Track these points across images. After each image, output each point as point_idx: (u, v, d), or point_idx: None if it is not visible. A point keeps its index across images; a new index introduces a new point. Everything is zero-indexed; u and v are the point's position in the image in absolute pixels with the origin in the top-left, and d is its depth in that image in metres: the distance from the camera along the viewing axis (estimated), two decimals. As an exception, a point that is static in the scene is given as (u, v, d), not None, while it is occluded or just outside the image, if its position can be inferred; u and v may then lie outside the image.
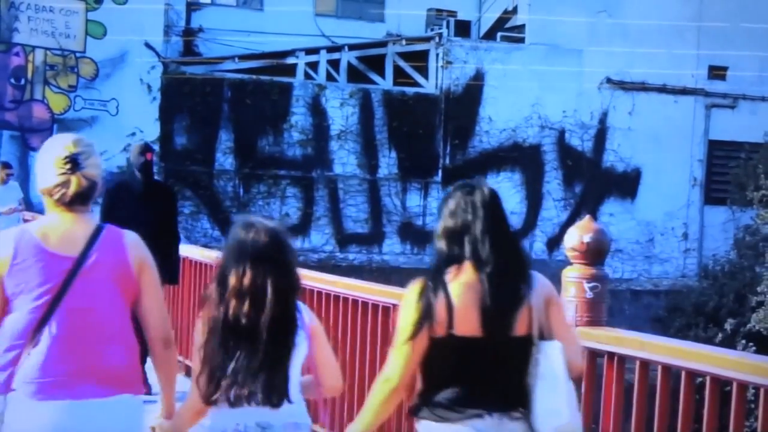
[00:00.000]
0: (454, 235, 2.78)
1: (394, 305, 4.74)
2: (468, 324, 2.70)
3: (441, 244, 2.81)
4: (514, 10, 18.65)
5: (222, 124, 16.10)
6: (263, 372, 2.79)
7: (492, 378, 2.73)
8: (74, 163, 2.96)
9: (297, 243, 16.61)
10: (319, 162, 16.74)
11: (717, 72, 18.98)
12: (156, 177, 7.94)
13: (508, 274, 2.72)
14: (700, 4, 18.70)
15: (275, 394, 2.81)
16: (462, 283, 2.72)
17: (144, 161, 6.68)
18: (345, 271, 13.09)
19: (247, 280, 2.75)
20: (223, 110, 16.12)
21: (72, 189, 2.98)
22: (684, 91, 18.78)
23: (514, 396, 2.75)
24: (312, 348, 2.92)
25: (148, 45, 15.61)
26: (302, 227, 16.59)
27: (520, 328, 2.71)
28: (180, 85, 15.81)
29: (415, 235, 17.24)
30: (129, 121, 15.40)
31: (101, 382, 2.94)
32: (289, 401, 2.83)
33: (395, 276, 16.46)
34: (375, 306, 5.18)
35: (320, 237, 16.75)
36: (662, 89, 18.60)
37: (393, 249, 17.18)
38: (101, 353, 2.96)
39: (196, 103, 15.92)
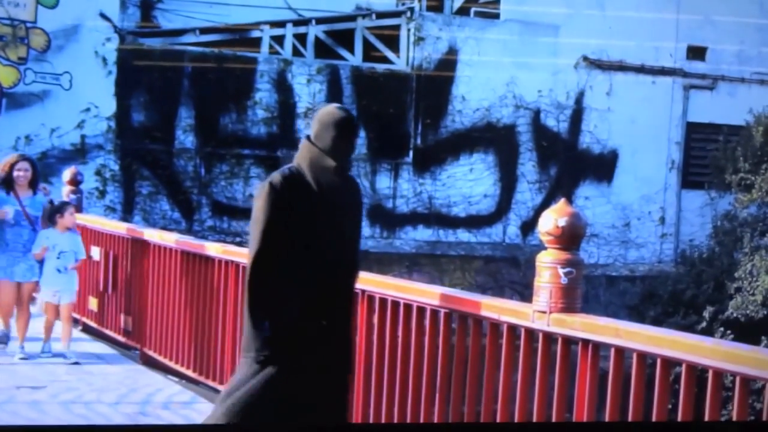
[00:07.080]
0: None
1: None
2: None
3: None
4: (489, -14, 18.14)
5: (182, 100, 15.64)
6: None
7: None
8: None
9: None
10: (285, 141, 16.23)
11: (696, 52, 18.57)
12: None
13: None
14: (680, -18, 18.28)
15: None
16: None
17: None
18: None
19: None
20: (183, 85, 15.67)
21: None
22: (662, 72, 18.38)
23: None
24: None
25: (103, 15, 15.07)
26: (267, 209, 16.06)
27: None
28: (137, 58, 15.33)
29: (384, 217, 16.81)
30: (83, 96, 14.93)
31: None
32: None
33: (364, 260, 15.95)
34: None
35: (285, 219, 16.21)
36: (640, 69, 18.21)
37: (362, 232, 16.64)
38: None
39: (155, 77, 15.42)
